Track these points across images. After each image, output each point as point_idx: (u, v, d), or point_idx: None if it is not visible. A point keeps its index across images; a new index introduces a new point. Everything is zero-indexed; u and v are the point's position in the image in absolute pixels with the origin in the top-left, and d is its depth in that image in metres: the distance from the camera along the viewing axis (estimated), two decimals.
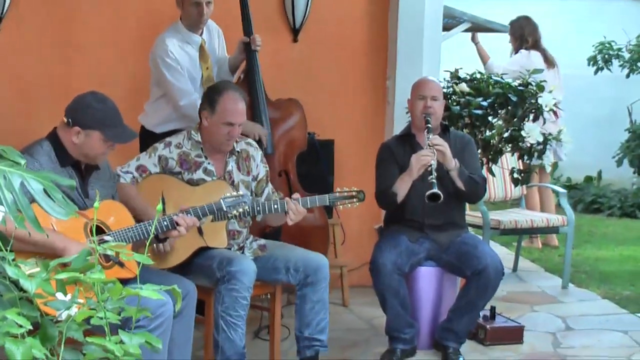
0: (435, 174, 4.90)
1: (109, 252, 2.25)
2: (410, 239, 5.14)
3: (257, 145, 4.90)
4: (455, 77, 5.98)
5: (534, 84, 5.92)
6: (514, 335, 5.47)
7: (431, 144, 4.98)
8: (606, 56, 10.69)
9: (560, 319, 6.03)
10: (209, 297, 4.48)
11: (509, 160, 6.73)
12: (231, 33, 5.80)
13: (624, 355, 5.30)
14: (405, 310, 5.08)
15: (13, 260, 2.24)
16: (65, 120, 3.91)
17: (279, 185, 5.54)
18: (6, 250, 2.21)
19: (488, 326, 5.41)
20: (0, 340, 1.98)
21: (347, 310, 6.16)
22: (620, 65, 10.67)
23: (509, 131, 5.88)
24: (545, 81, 6.04)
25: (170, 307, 3.74)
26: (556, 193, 7.58)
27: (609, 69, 10.72)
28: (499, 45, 9.03)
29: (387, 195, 5.12)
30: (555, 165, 9.90)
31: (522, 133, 5.74)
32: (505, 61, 8.22)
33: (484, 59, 8.51)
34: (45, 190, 2.26)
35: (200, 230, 4.41)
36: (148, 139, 5.22)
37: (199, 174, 4.60)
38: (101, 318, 1.99)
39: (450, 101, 5.73)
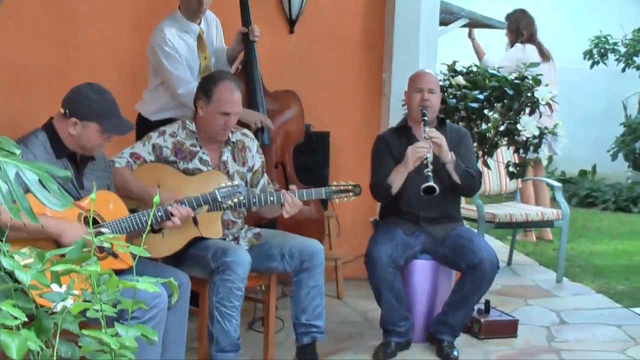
0: (431, 167, 4.88)
1: (105, 244, 2.23)
2: (406, 231, 5.13)
3: (253, 136, 4.88)
4: (452, 70, 5.97)
5: (530, 77, 5.91)
6: (508, 329, 5.47)
7: (427, 137, 4.97)
8: (602, 50, 10.68)
9: (554, 313, 6.03)
10: (203, 288, 4.46)
11: (505, 154, 6.73)
12: (230, 24, 5.78)
13: (618, 350, 5.30)
14: (400, 304, 5.08)
15: (7, 251, 2.22)
16: (62, 111, 3.89)
17: (276, 176, 5.53)
18: (1, 241, 2.20)
19: (482, 320, 5.41)
20: None
21: (341, 303, 6.15)
22: (616, 60, 10.66)
23: (505, 124, 5.87)
24: (541, 75, 6.03)
25: (164, 298, 3.73)
26: (551, 187, 7.57)
27: (605, 63, 10.70)
28: (495, 42, 9.01)
29: (382, 187, 5.11)
30: (550, 159, 9.92)
31: (518, 126, 5.73)
32: (501, 57, 8.21)
33: (479, 55, 8.50)
34: (40, 181, 2.25)
35: (195, 221, 4.40)
36: (144, 126, 5.22)
37: (194, 164, 4.58)
38: (97, 310, 1.97)
39: (446, 94, 5.72)
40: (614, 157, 10.76)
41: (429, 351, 5.17)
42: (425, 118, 5.07)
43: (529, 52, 7.96)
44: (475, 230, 5.95)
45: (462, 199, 5.86)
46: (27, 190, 2.21)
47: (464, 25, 7.63)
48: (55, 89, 4.09)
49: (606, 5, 12.08)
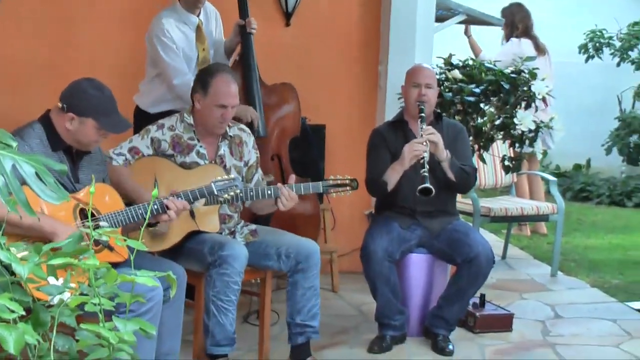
0: (428, 167, 4.88)
1: (103, 237, 2.22)
2: (402, 225, 5.13)
3: (249, 131, 4.87)
4: (448, 63, 5.96)
5: (526, 71, 5.91)
6: (503, 323, 5.47)
7: (424, 135, 4.95)
8: (597, 44, 10.68)
9: (549, 307, 6.03)
10: (199, 281, 4.45)
11: (500, 148, 6.72)
12: (228, 16, 5.76)
13: (613, 344, 5.30)
14: (395, 297, 5.07)
15: (4, 244, 2.21)
16: (60, 105, 3.87)
17: (272, 169, 5.52)
18: None
19: (477, 314, 5.41)
20: None
21: (336, 296, 6.15)
22: (611, 54, 10.67)
23: (501, 118, 5.87)
24: (537, 69, 6.02)
25: (159, 291, 3.71)
26: (546, 181, 7.57)
27: (600, 57, 10.71)
28: (492, 39, 8.99)
29: (377, 183, 5.11)
30: (544, 153, 9.91)
31: (515, 120, 5.73)
32: (497, 54, 8.19)
33: (476, 52, 8.48)
34: (37, 174, 2.23)
35: (192, 214, 4.38)
36: (142, 119, 5.20)
37: (192, 157, 4.57)
38: (95, 304, 1.96)
39: (442, 88, 5.71)
40: (609, 151, 10.76)
41: (425, 345, 5.16)
42: (423, 114, 5.06)
43: (525, 47, 7.96)
44: (471, 224, 5.95)
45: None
46: (23, 182, 2.20)
47: (461, 22, 7.61)
48: (53, 86, 4.06)
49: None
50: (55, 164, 2.36)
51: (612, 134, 10.79)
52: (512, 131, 5.86)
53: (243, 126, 4.87)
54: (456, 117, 5.73)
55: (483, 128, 5.86)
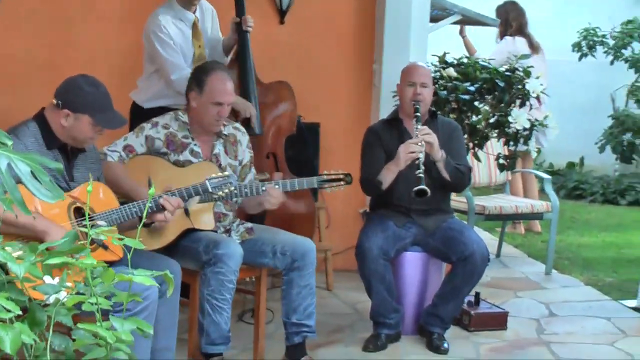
0: (423, 168, 4.87)
1: (101, 237, 2.21)
2: (397, 223, 5.12)
3: (244, 130, 4.86)
4: (443, 61, 5.95)
5: (520, 69, 5.90)
6: (498, 321, 5.47)
7: (419, 135, 4.95)
8: (590, 42, 10.69)
9: (543, 305, 6.04)
10: (194, 280, 4.44)
11: (494, 146, 6.72)
12: (225, 14, 5.75)
13: (607, 342, 5.31)
14: (390, 296, 5.07)
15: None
16: (55, 102, 3.85)
17: (267, 167, 5.52)
18: None
19: (472, 312, 5.41)
20: None
21: (331, 295, 6.14)
22: (605, 52, 10.68)
23: (496, 117, 5.87)
24: (532, 67, 6.02)
25: (155, 290, 3.70)
26: (540, 179, 7.57)
27: (593, 56, 10.72)
28: (487, 39, 8.98)
29: (372, 183, 5.10)
30: (538, 151, 9.92)
31: (509, 119, 5.72)
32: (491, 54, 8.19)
33: (470, 52, 8.48)
34: (32, 173, 2.22)
35: (187, 212, 4.37)
36: (138, 115, 5.20)
37: (185, 155, 4.56)
38: (93, 304, 1.95)
39: (437, 86, 5.70)
40: (602, 149, 10.77)
41: (420, 343, 5.16)
42: (418, 114, 5.06)
43: (519, 45, 7.96)
44: (466, 222, 5.95)
45: None
46: (18, 181, 2.19)
47: (457, 22, 7.62)
48: (51, 86, 4.05)
49: None
50: (51, 162, 2.36)
51: (606, 132, 10.80)
52: (506, 129, 5.85)
53: (238, 125, 4.86)
54: (451, 116, 5.73)
55: (478, 126, 5.85)
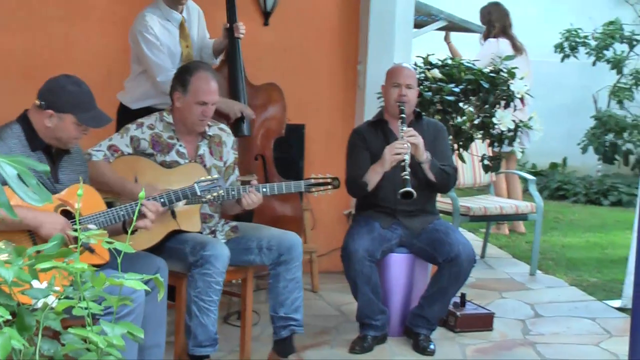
0: (409, 170, 4.87)
1: (91, 240, 2.19)
2: (383, 225, 5.12)
3: (230, 131, 4.84)
4: (428, 63, 5.95)
5: (505, 70, 5.91)
6: (484, 322, 5.48)
7: (405, 136, 4.95)
8: (573, 43, 10.75)
9: (529, 306, 6.05)
10: (180, 282, 4.42)
11: (479, 147, 6.73)
12: (214, 17, 5.76)
13: (593, 343, 5.32)
14: (376, 297, 5.06)
15: None
16: (38, 102, 3.83)
17: (255, 169, 5.50)
18: None
19: (458, 313, 5.41)
20: None
21: (316, 296, 6.13)
22: (587, 53, 10.73)
23: (480, 118, 5.87)
24: (516, 68, 6.03)
25: (142, 292, 3.67)
26: (524, 180, 7.59)
27: (576, 57, 10.77)
28: (472, 46, 8.98)
29: (357, 184, 5.10)
30: (522, 152, 9.94)
31: (494, 120, 5.73)
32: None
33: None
34: (19, 176, 2.20)
35: (173, 214, 4.35)
36: (124, 115, 5.18)
37: (172, 156, 4.54)
38: (84, 308, 1.93)
39: (422, 87, 5.70)
40: (585, 150, 10.83)
41: (406, 345, 5.16)
42: (403, 115, 5.05)
43: (503, 46, 7.97)
44: (451, 224, 5.95)
45: None
46: (4, 183, 2.16)
47: (442, 28, 7.64)
48: (31, 84, 4.02)
49: None
50: (38, 164, 2.33)
51: (588, 132, 10.86)
52: (491, 130, 5.86)
53: (223, 126, 4.84)
54: (436, 117, 5.73)
55: (463, 127, 5.86)
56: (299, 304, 4.65)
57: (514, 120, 5.79)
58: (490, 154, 6.28)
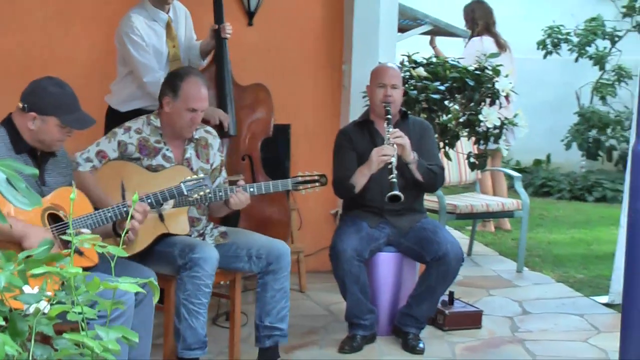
0: (396, 172, 4.86)
1: (85, 244, 2.17)
2: (370, 224, 5.11)
3: (216, 134, 4.82)
4: (412, 61, 5.95)
5: (490, 68, 5.92)
6: (472, 320, 5.48)
7: (391, 138, 4.94)
8: (555, 40, 10.77)
9: (516, 303, 6.06)
10: (169, 285, 4.40)
11: (464, 145, 6.73)
12: (200, 17, 5.73)
13: (581, 339, 5.33)
14: (365, 297, 5.06)
15: None
16: (21, 105, 3.81)
17: (243, 169, 5.49)
18: None
19: (447, 311, 5.41)
20: None
21: (304, 296, 6.12)
22: (569, 50, 10.76)
23: (466, 115, 5.88)
24: (501, 65, 6.04)
25: (131, 295, 3.66)
26: (510, 177, 7.60)
27: (558, 53, 10.80)
28: (457, 50, 8.96)
29: (344, 186, 5.10)
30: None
31: (480, 117, 5.74)
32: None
33: None
34: (8, 180, 2.18)
35: (161, 217, 4.33)
36: (114, 117, 5.15)
37: (158, 160, 4.51)
38: (78, 313, 1.91)
39: (407, 85, 5.70)
40: (568, 146, 10.87)
41: (395, 344, 5.16)
42: (389, 116, 5.05)
43: (486, 44, 7.97)
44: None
45: None
46: None
47: (427, 33, 7.64)
48: (15, 86, 3.99)
49: None
50: (27, 167, 2.32)
51: (572, 129, 10.90)
52: (477, 128, 5.87)
53: (209, 128, 4.82)
54: (421, 115, 5.73)
55: (448, 125, 5.86)
56: (285, 314, 4.64)
57: (499, 118, 5.80)
58: (476, 152, 6.27)
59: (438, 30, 7.57)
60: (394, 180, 4.84)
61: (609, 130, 10.83)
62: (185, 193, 4.14)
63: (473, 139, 6.20)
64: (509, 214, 7.07)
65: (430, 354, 5.03)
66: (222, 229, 4.72)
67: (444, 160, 5.91)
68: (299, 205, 6.36)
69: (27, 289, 2.17)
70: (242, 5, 6.45)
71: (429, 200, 6.61)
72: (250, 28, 6.48)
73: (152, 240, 4.35)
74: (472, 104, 5.84)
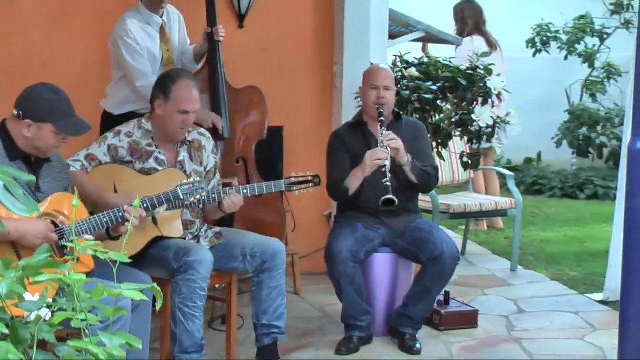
0: (390, 176, 4.86)
1: (90, 251, 2.16)
2: (365, 225, 5.11)
3: (209, 136, 4.80)
4: (404, 61, 5.95)
5: (482, 67, 5.92)
6: (468, 319, 5.48)
7: (385, 140, 4.94)
8: (544, 38, 10.78)
9: (512, 302, 6.05)
10: (165, 289, 4.38)
11: (457, 145, 6.73)
12: (194, 20, 5.72)
13: (577, 337, 5.34)
14: (361, 298, 5.05)
15: None
16: (16, 112, 3.79)
17: (237, 172, 5.48)
18: None
19: (443, 311, 5.41)
20: None
21: (299, 298, 6.11)
22: (559, 48, 10.77)
23: (459, 115, 5.88)
24: (493, 64, 6.04)
25: (129, 301, 3.64)
26: (502, 176, 7.60)
27: (547, 51, 10.81)
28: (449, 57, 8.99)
29: (338, 189, 5.10)
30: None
31: (473, 116, 5.74)
32: None
33: None
34: (5, 187, 2.17)
35: (154, 220, 4.31)
36: (108, 121, 5.15)
37: (150, 163, 4.50)
38: (82, 320, 1.90)
39: (399, 86, 5.70)
40: (559, 144, 10.87)
41: (392, 345, 5.15)
42: (382, 118, 5.05)
43: (477, 43, 7.97)
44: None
45: None
46: None
47: (419, 40, 7.63)
48: (10, 92, 3.98)
49: None
50: (24, 174, 2.31)
51: (562, 127, 10.91)
52: (470, 127, 5.87)
53: (203, 130, 4.81)
54: (414, 115, 5.73)
55: (441, 125, 5.86)
56: (282, 311, 4.64)
57: (492, 117, 5.81)
58: (469, 151, 6.28)
59: (430, 37, 7.56)
60: (388, 184, 4.83)
61: (599, 128, 10.83)
62: (182, 197, 4.13)
63: (465, 138, 6.20)
64: (502, 212, 7.07)
65: (427, 354, 5.03)
66: (217, 229, 4.71)
67: (437, 161, 5.92)
68: (292, 207, 6.35)
69: (27, 296, 2.16)
70: (232, 8, 6.43)
71: (423, 200, 6.59)
72: (242, 30, 6.46)
73: (146, 244, 4.33)
74: (464, 103, 5.85)
